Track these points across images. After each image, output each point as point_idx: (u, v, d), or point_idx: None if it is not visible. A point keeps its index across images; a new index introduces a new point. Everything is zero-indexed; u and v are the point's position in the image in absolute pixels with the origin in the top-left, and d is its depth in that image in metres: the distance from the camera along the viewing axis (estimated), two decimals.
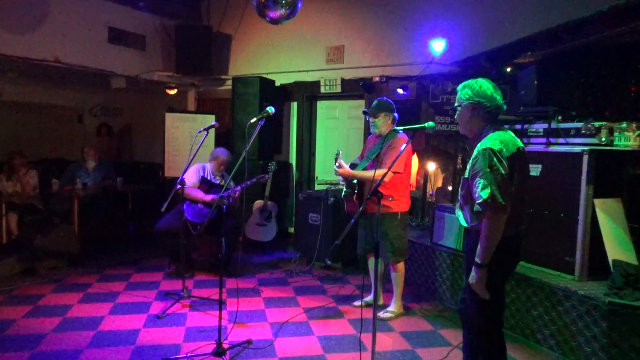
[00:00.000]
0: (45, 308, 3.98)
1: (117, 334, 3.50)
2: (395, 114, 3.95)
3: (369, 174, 3.76)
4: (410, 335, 3.64)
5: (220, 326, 3.19)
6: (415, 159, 5.94)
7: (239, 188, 4.56)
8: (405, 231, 3.98)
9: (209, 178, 4.80)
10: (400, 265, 3.97)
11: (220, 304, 3.21)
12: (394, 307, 4.02)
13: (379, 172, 3.77)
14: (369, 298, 4.11)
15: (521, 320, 3.58)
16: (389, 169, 3.06)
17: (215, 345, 3.15)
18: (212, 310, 3.94)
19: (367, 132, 5.84)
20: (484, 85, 2.42)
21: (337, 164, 3.89)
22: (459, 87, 2.50)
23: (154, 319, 3.79)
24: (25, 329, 3.54)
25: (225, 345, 3.20)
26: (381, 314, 3.94)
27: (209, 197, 4.61)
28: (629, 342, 2.91)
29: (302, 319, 3.92)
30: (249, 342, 3.38)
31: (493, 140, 2.29)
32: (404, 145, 3.24)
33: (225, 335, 3.44)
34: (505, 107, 2.46)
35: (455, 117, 2.57)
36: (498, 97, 2.41)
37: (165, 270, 5.10)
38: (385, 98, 4.04)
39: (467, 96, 2.44)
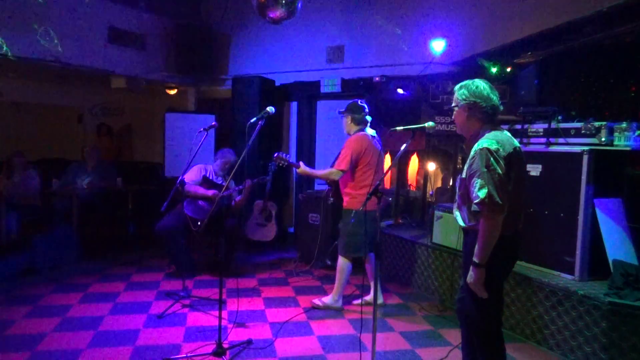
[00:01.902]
0: (45, 308, 3.98)
1: (117, 334, 3.50)
2: (359, 115, 4.01)
3: (317, 172, 4.16)
4: (410, 335, 3.64)
5: (220, 326, 3.18)
6: (415, 159, 5.95)
7: (248, 183, 4.59)
8: (360, 229, 3.89)
9: (210, 178, 4.81)
10: (345, 260, 3.98)
11: (220, 304, 3.21)
12: (328, 298, 4.06)
13: (323, 171, 4.06)
14: (369, 297, 4.11)
15: (521, 320, 3.58)
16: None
17: (215, 345, 3.15)
18: (212, 310, 3.94)
19: None
20: (480, 85, 2.42)
21: (282, 164, 3.99)
22: (456, 87, 2.51)
23: (154, 319, 3.80)
24: (25, 329, 3.54)
25: (225, 345, 3.20)
26: (315, 301, 4.06)
27: (211, 192, 4.62)
28: (629, 342, 2.91)
29: (302, 319, 3.92)
30: (249, 342, 3.38)
31: (490, 140, 2.30)
32: (355, 142, 3.62)
33: (225, 335, 3.44)
34: (501, 107, 2.48)
35: (453, 117, 2.58)
36: (494, 97, 2.42)
37: (165, 270, 5.10)
38: (357, 100, 4.11)
39: (463, 96, 2.44)
